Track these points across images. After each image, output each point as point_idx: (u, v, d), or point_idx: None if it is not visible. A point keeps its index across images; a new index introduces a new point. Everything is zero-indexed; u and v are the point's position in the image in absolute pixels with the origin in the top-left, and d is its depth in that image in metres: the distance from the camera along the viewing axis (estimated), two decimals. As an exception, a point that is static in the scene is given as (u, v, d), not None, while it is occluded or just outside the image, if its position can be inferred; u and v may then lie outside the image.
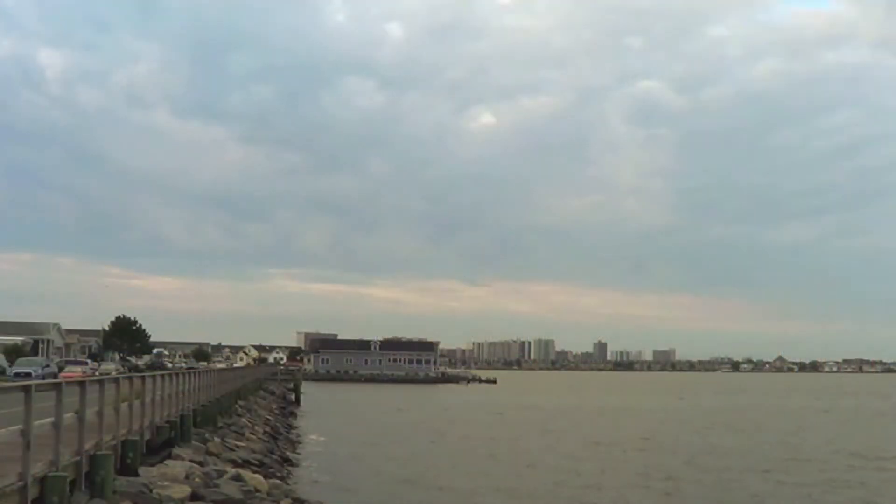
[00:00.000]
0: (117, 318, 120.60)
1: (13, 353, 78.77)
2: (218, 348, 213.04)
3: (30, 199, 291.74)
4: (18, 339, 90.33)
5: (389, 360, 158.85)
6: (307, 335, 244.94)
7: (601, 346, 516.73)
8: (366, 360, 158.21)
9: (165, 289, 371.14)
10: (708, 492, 26.93)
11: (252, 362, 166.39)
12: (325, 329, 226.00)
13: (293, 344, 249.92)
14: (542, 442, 43.13)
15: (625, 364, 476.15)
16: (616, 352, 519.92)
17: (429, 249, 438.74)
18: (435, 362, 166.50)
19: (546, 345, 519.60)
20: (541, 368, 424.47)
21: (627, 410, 74.21)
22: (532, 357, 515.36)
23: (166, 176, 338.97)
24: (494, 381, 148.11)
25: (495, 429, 51.16)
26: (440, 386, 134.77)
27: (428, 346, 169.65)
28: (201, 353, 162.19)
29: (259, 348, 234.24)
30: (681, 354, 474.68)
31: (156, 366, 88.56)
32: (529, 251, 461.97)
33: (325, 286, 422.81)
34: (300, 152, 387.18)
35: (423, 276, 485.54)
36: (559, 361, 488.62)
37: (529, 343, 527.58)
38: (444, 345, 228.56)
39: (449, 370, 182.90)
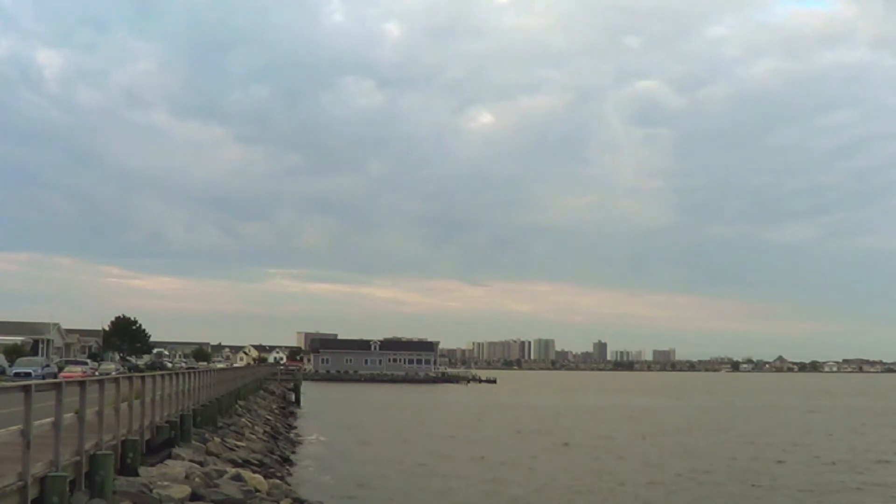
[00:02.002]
0: (117, 318, 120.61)
1: (13, 353, 78.79)
2: (218, 348, 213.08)
3: (30, 199, 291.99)
4: (18, 339, 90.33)
5: (389, 360, 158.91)
6: (307, 335, 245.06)
7: (601, 346, 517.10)
8: (366, 360, 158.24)
9: (165, 289, 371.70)
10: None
11: (252, 362, 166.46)
12: (325, 329, 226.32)
13: (293, 344, 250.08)
14: (536, 444, 43.22)
15: (625, 364, 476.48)
16: (616, 352, 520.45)
17: (428, 249, 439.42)
18: (435, 362, 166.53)
19: (546, 345, 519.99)
20: (541, 368, 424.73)
21: (615, 411, 74.26)
22: (532, 357, 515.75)
23: (166, 176, 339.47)
24: (494, 381, 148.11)
25: (491, 430, 51.18)
26: (440, 386, 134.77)
27: (428, 346, 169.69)
28: (201, 353, 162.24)
29: (259, 348, 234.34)
30: (681, 354, 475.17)
31: (156, 366, 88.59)
32: (529, 251, 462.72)
33: (325, 286, 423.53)
34: (299, 152, 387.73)
35: (423, 275, 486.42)
36: (559, 361, 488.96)
37: (529, 343, 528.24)
38: (444, 345, 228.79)
39: (449, 370, 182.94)
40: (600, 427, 53.14)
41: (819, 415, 71.10)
